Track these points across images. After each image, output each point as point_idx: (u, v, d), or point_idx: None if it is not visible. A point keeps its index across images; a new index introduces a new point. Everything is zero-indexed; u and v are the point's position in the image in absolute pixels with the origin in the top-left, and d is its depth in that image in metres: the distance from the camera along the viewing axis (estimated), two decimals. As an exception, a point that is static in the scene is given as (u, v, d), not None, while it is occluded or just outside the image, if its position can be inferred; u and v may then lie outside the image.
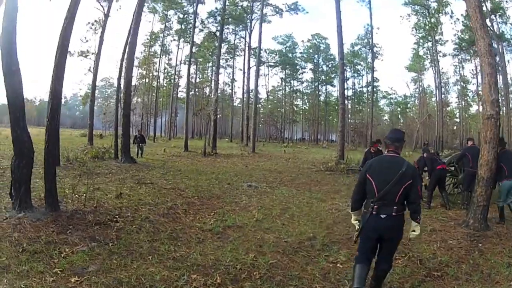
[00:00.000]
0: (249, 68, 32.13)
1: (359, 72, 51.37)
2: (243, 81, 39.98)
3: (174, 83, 43.50)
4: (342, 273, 3.63)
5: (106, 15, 19.85)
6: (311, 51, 52.26)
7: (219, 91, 56.14)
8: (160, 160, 15.13)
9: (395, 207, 2.86)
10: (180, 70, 44.70)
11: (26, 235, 4.18)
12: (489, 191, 5.57)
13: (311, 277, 3.52)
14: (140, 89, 40.01)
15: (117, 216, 5.32)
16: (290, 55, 51.96)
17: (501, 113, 6.87)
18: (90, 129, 19.87)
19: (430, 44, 37.40)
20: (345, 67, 49.01)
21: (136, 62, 38.81)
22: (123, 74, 13.69)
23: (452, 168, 8.23)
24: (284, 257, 4.00)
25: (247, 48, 30.36)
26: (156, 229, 4.88)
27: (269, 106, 59.86)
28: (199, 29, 26.72)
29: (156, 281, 3.23)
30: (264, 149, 29.64)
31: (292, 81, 56.79)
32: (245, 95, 35.52)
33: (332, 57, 50.32)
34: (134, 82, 37.38)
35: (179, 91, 49.58)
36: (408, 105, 55.08)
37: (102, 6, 19.55)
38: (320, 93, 56.99)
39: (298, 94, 58.78)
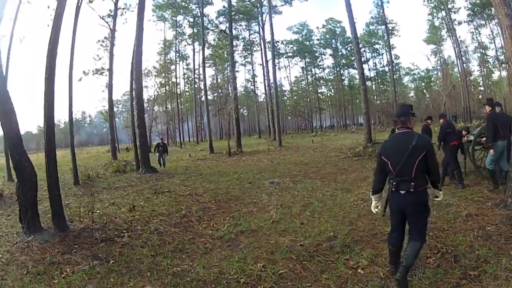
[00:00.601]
0: (266, 61, 31.49)
1: (378, 51, 49.42)
2: (263, 76, 39.42)
3: (196, 87, 43.76)
4: (363, 281, 3.06)
5: (113, 30, 20.09)
6: (327, 36, 50.74)
7: (241, 88, 56.84)
8: (183, 166, 15.01)
9: (412, 183, 2.83)
10: (200, 74, 45.04)
11: (33, 257, 4.22)
12: None
13: (324, 288, 3.01)
14: (161, 97, 40.73)
15: (125, 231, 5.17)
16: (307, 43, 50.67)
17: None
18: (112, 144, 20.26)
19: (444, 13, 35.35)
20: (363, 48, 48.03)
21: (154, 72, 39.87)
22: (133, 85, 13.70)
23: (483, 139, 6.97)
24: (296, 265, 3.50)
25: (262, 42, 29.62)
26: (162, 242, 4.61)
27: (295, 97, 58.93)
28: (211, 30, 26.50)
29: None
30: (292, 141, 29.02)
31: (314, 69, 55.46)
32: (266, 89, 34.82)
33: (349, 40, 48.51)
34: (153, 91, 38.44)
35: (203, 94, 50.05)
36: (432, 79, 52.36)
37: (106, 22, 19.83)
38: (343, 77, 55.34)
39: (321, 81, 57.34)
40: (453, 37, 36.45)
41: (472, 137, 7.20)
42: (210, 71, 50.56)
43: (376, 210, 3.21)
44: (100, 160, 19.59)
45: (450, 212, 4.82)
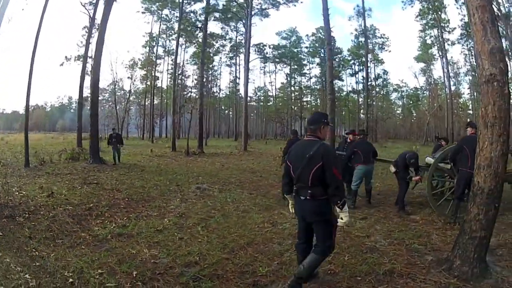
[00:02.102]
0: (246, 63, 31.70)
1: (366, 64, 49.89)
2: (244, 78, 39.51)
3: (176, 83, 43.51)
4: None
5: (93, 18, 19.93)
6: (317, 45, 51.13)
7: (226, 90, 56.54)
8: (138, 160, 15.08)
9: (309, 191, 2.85)
10: (186, 71, 44.88)
11: None
12: (492, 213, 3.37)
13: None
14: (143, 91, 40.42)
15: (29, 213, 5.54)
16: (295, 50, 51.09)
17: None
18: (78, 132, 19.89)
19: (436, 31, 35.75)
20: (353, 60, 48.40)
21: (140, 64, 39.61)
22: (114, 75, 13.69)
23: (447, 166, 5.96)
24: (128, 283, 3.23)
25: (246, 44, 29.70)
26: (48, 228, 4.92)
27: (280, 104, 59.22)
28: (187, 26, 26.39)
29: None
30: (262, 147, 29.15)
31: (299, 77, 55.89)
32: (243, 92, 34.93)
33: (338, 50, 49.04)
34: (129, 83, 37.95)
35: (189, 91, 49.78)
36: (420, 98, 53.17)
37: (87, 10, 19.62)
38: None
39: (307, 90, 57.74)
40: (444, 58, 36.84)
41: (431, 160, 6.37)
42: (193, 69, 50.34)
43: (292, 210, 3.18)
44: (69, 146, 19.42)
45: (367, 262, 3.72)
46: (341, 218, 2.84)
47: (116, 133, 13.91)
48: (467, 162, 5.11)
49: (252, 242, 4.43)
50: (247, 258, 3.87)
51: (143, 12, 34.62)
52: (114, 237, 4.66)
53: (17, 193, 6.95)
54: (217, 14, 29.51)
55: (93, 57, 14.35)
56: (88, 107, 21.53)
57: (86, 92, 22.26)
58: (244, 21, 26.83)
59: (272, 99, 60.53)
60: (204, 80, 53.18)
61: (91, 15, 19.95)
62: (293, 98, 57.67)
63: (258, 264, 3.67)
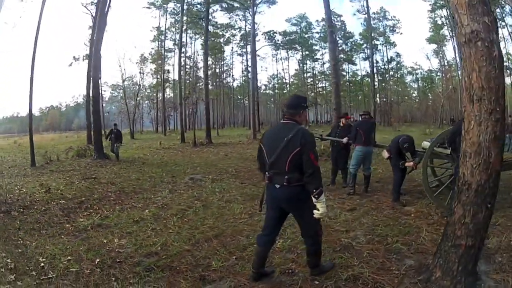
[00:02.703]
0: (253, 52, 31.40)
1: (378, 48, 48.57)
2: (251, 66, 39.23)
3: (182, 76, 43.84)
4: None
5: (95, 18, 20.25)
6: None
7: (240, 79, 56.51)
8: (144, 154, 15.51)
9: (286, 177, 2.68)
10: (198, 62, 45.02)
11: None
12: (482, 215, 2.64)
13: None
14: (153, 84, 40.99)
15: (24, 208, 5.98)
16: (306, 35, 50.19)
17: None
18: (88, 129, 20.46)
19: (445, 11, 34.30)
20: (365, 44, 47.04)
21: (150, 59, 40.17)
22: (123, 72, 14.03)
23: (447, 151, 5.25)
24: (89, 269, 3.39)
25: (252, 32, 29.41)
26: (36, 220, 5.29)
27: (295, 91, 58.62)
28: (189, 17, 26.42)
29: None
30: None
31: (313, 63, 55.03)
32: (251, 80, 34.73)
33: (350, 34, 47.82)
34: (139, 78, 38.62)
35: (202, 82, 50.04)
36: (435, 80, 51.22)
37: (89, 10, 19.92)
38: (344, 73, 54.71)
39: (321, 76, 56.79)
40: (454, 37, 35.37)
41: (427, 144, 5.76)
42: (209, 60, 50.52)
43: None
44: (81, 144, 20.14)
45: (334, 263, 3.30)
46: (317, 209, 2.64)
47: (116, 129, 13.54)
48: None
49: (221, 234, 4.35)
50: (208, 251, 3.80)
51: (147, 7, 34.84)
52: (93, 228, 4.89)
53: (17, 190, 7.53)
54: (224, 4, 29.32)
55: (92, 57, 14.64)
56: (102, 104, 22.17)
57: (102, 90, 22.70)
58: (249, 11, 26.32)
59: (287, 86, 59.94)
60: (218, 70, 53.63)
61: (94, 14, 20.27)
62: (308, 84, 56.86)
63: (216, 258, 3.57)
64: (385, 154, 6.10)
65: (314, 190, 2.61)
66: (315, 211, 2.66)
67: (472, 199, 2.64)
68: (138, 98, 35.70)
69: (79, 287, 3.10)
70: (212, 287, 3.04)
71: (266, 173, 2.82)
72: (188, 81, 44.49)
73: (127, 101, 34.43)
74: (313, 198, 2.63)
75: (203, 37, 29.84)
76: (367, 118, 6.80)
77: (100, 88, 22.53)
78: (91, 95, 13.81)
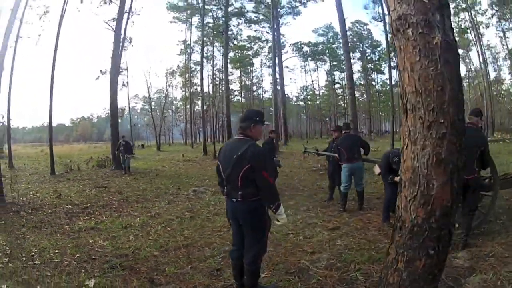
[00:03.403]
0: (280, 63, 31.62)
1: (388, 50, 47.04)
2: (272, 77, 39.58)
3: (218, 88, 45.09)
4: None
5: (118, 33, 21.46)
6: (355, 39, 49.43)
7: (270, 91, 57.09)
8: (162, 165, 16.16)
9: (240, 192, 2.70)
10: (228, 75, 46.14)
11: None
12: (420, 263, 2.04)
13: None
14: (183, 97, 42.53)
15: (33, 209, 6.82)
16: (333, 45, 49.94)
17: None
18: (112, 141, 21.31)
19: (468, 15, 32.90)
20: (395, 52, 45.66)
21: (178, 72, 41.99)
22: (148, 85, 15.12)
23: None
24: (59, 266, 3.85)
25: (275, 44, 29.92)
26: (40, 220, 6.04)
27: (326, 102, 58.26)
28: (209, 31, 27.38)
29: None
30: (299, 146, 28.80)
31: (341, 73, 54.46)
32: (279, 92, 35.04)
33: (377, 43, 46.96)
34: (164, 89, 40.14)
35: (234, 95, 51.44)
36: (465, 87, 48.45)
37: (111, 26, 21.01)
38: (374, 82, 53.76)
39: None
40: (478, 42, 34.03)
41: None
42: (237, 73, 51.77)
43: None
44: (106, 155, 21.41)
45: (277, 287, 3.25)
46: (277, 221, 2.75)
47: (125, 141, 13.48)
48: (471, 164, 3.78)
49: (191, 244, 4.49)
50: (171, 258, 4.02)
51: (173, 22, 36.47)
52: (86, 230, 5.44)
53: (31, 195, 8.56)
54: (245, 17, 30.25)
55: (123, 71, 15.85)
56: (130, 117, 23.53)
57: (123, 103, 24.00)
58: (272, 23, 26.90)
59: (318, 97, 59.66)
60: (248, 82, 54.62)
61: (115, 30, 21.47)
62: (339, 95, 56.22)
63: (174, 265, 3.77)
64: (377, 169, 5.77)
65: (271, 206, 2.69)
66: (276, 222, 2.79)
67: (406, 241, 2.05)
68: (164, 111, 37.26)
69: (55, 273, 3.64)
70: (157, 290, 3.35)
71: (225, 187, 2.85)
72: (218, 94, 46.32)
73: (157, 113, 36.10)
74: (272, 212, 2.70)
75: (231, 50, 30.61)
76: (348, 133, 6.54)
77: (128, 100, 24.12)
78: (109, 109, 14.95)
